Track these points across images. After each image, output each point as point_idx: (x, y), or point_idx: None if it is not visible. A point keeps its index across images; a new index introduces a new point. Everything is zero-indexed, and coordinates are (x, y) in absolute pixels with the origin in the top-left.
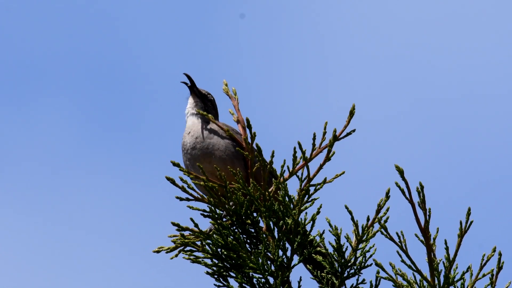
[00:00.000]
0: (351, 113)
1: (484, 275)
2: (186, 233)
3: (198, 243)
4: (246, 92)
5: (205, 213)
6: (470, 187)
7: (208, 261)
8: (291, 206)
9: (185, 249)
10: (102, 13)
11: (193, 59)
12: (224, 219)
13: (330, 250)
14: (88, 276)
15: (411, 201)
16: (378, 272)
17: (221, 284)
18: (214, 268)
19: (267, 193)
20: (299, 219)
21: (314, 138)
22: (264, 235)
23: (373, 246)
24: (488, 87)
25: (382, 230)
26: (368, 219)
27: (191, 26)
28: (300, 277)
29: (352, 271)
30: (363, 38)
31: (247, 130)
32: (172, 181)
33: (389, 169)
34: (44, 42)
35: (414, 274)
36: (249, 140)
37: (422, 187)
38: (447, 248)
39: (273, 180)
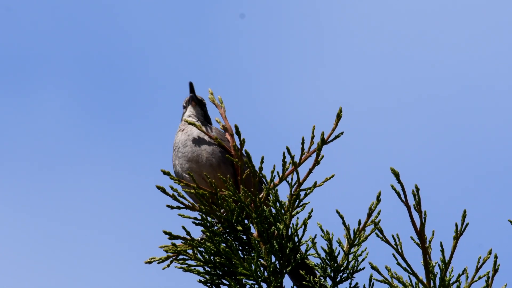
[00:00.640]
0: (338, 116)
1: (480, 278)
2: (178, 242)
3: (190, 251)
4: (246, 93)
5: (197, 221)
6: (465, 189)
7: (201, 269)
8: (282, 211)
9: (177, 258)
10: (102, 10)
11: (193, 59)
12: (215, 227)
13: (323, 254)
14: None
15: (406, 204)
16: (372, 276)
17: None
18: (207, 276)
19: (257, 199)
20: (291, 224)
21: (302, 143)
22: (256, 241)
23: (365, 250)
24: (486, 87)
25: (378, 232)
26: (359, 223)
27: (191, 26)
28: (294, 283)
29: (345, 275)
30: (363, 39)
31: (236, 136)
32: (163, 190)
33: (381, 171)
34: (43, 34)
35: (409, 276)
36: (238, 146)
37: (417, 189)
38: (442, 251)
39: (263, 186)
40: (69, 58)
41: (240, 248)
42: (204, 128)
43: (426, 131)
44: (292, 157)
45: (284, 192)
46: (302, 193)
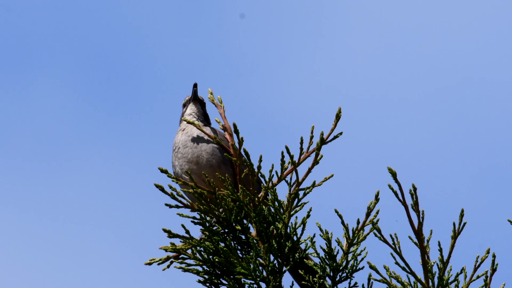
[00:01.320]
0: (337, 116)
1: (478, 277)
2: (177, 242)
3: (189, 251)
4: (246, 93)
5: (196, 220)
6: (463, 188)
7: (200, 269)
8: (281, 211)
9: (177, 258)
10: (103, 10)
11: (192, 59)
12: (214, 226)
13: (322, 254)
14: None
15: (404, 203)
16: (370, 275)
17: None
18: (206, 276)
19: (256, 198)
20: (290, 224)
21: (301, 142)
22: (254, 241)
23: (364, 249)
24: (485, 87)
25: (376, 232)
26: (358, 222)
27: (191, 26)
28: (292, 282)
29: (344, 274)
30: (363, 40)
31: (234, 135)
32: (161, 188)
33: (379, 171)
34: (43, 34)
35: (408, 276)
36: (237, 145)
37: (415, 189)
38: (440, 250)
39: (262, 186)
40: (69, 56)
41: (239, 247)
42: (204, 128)
43: (425, 131)
44: (291, 157)
45: (283, 192)
46: (301, 193)
